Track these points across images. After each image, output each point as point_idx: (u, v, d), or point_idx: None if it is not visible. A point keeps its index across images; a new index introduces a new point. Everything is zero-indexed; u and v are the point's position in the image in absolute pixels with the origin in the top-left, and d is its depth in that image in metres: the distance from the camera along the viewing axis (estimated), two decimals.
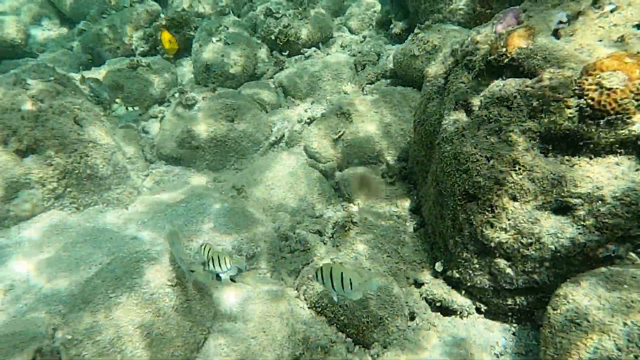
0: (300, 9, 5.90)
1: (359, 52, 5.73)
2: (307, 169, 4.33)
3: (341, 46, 6.02)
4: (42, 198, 3.56)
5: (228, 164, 4.72)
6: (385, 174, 4.00)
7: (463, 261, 2.72)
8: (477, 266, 2.64)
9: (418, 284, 3.11)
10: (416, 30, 4.57)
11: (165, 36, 5.29)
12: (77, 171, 3.71)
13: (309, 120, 5.00)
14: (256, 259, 3.48)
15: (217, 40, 5.49)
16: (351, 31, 6.35)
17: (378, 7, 6.22)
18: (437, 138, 2.98)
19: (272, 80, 5.67)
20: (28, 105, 3.65)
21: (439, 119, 3.09)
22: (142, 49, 5.99)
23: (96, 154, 3.83)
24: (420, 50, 4.40)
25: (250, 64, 5.58)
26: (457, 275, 2.80)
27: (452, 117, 2.79)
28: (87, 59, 5.67)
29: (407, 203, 3.81)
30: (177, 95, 4.87)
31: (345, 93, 5.21)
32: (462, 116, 2.75)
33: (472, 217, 2.56)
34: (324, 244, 3.69)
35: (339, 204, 4.16)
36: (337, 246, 3.62)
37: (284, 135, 4.94)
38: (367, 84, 5.00)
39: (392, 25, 5.66)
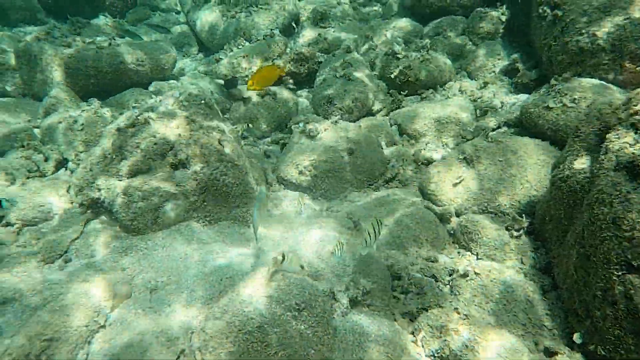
0: (422, 52, 6.02)
1: (479, 98, 5.68)
2: (424, 211, 4.32)
3: (460, 90, 6.01)
4: (184, 209, 3.90)
5: (342, 195, 4.84)
6: (510, 226, 3.86)
7: (613, 338, 2.52)
8: (632, 347, 2.43)
9: (550, 353, 2.92)
10: (552, 82, 4.45)
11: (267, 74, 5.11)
12: (214, 187, 4.03)
13: (425, 162, 5.01)
14: (370, 294, 3.51)
15: (339, 76, 5.76)
16: (471, 77, 6.32)
17: (503, 54, 6.15)
18: (588, 198, 2.84)
19: (387, 117, 5.79)
20: (183, 125, 4.06)
21: (588, 178, 2.96)
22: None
23: (232, 173, 4.14)
24: (557, 102, 4.27)
25: (368, 100, 5.75)
26: (603, 353, 2.59)
27: (611, 179, 2.65)
28: (221, 84, 6.21)
29: (532, 261, 3.64)
30: (300, 125, 5.15)
31: (464, 138, 5.17)
32: (624, 179, 2.60)
33: (632, 291, 2.38)
34: (440, 290, 3.62)
35: (455, 250, 4.08)
36: (455, 295, 3.54)
37: (398, 173, 4.98)
38: (490, 131, 4.92)
39: (518, 74, 5.55)
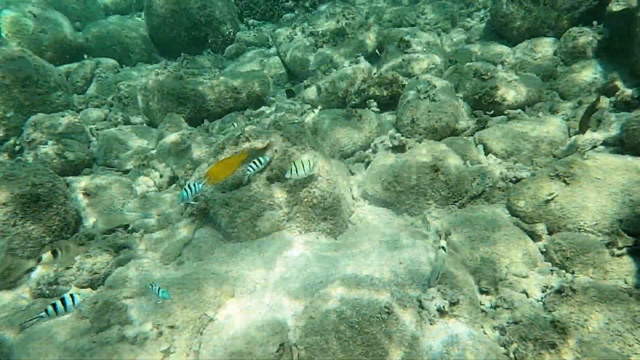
0: (509, 72, 5.98)
1: (573, 117, 5.49)
2: (513, 229, 4.25)
3: (550, 110, 5.84)
4: (278, 219, 4.25)
5: (425, 211, 4.90)
6: (611, 244, 3.67)
7: None
8: None
9: None
10: None
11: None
12: (306, 200, 4.34)
13: (514, 179, 4.92)
14: (459, 304, 3.53)
15: (424, 98, 5.89)
16: (563, 97, 6.12)
17: (598, 73, 5.91)
18: None
19: (472, 137, 5.78)
20: (279, 142, 4.46)
21: None
22: (353, 102, 6.76)
23: (322, 187, 4.43)
24: None
25: (452, 120, 5.80)
26: None
27: None
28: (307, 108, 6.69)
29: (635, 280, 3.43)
30: (387, 140, 5.34)
31: (555, 157, 5.00)
32: None
33: None
34: (532, 306, 3.53)
35: (549, 268, 3.94)
36: (550, 311, 3.43)
37: (484, 191, 4.95)
38: (587, 149, 4.73)
39: (617, 92, 5.30)
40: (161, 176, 5.17)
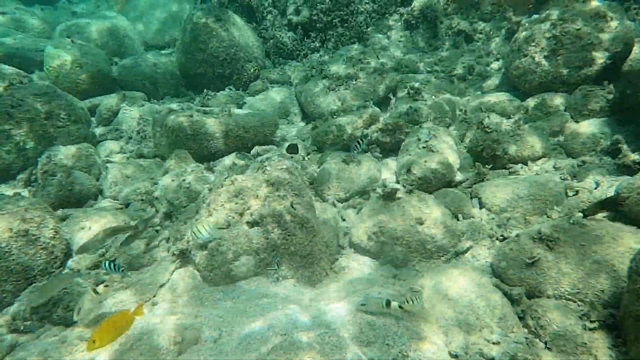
0: (514, 126, 5.91)
1: (574, 177, 5.33)
2: (490, 289, 4.12)
3: (554, 167, 5.69)
4: (254, 264, 4.32)
5: (409, 264, 4.83)
6: (585, 316, 3.49)
7: None
8: None
9: None
10: None
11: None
12: (283, 246, 4.40)
13: (501, 237, 4.80)
14: None
15: (422, 147, 5.90)
16: (569, 154, 5.97)
17: (606, 133, 5.75)
18: None
19: (469, 190, 5.70)
20: (263, 189, 4.59)
21: None
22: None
23: (301, 234, 4.48)
24: None
25: (450, 172, 5.75)
26: None
27: None
28: (313, 149, 6.81)
29: (608, 358, 3.23)
30: (378, 189, 5.36)
31: (549, 217, 4.85)
32: None
33: None
34: None
35: (524, 336, 3.78)
36: None
37: (470, 248, 4.85)
38: (580, 212, 4.56)
39: (620, 155, 5.12)
40: (157, 211, 5.39)
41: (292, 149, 6.64)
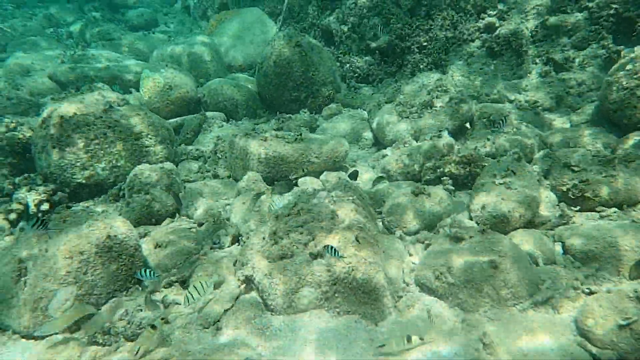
0: (607, 166, 5.38)
1: None
2: (575, 348, 3.72)
3: None
4: (316, 297, 4.28)
5: (481, 310, 4.51)
6: None
7: None
8: None
9: None
10: None
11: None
12: (346, 281, 4.32)
13: (587, 291, 4.33)
14: None
15: (499, 184, 5.55)
16: None
17: None
18: None
19: (552, 233, 5.25)
20: (329, 221, 4.56)
21: None
22: (428, 177, 6.62)
23: (365, 269, 4.38)
24: None
25: (530, 212, 5.34)
26: None
27: None
28: (381, 179, 6.71)
29: None
30: (446, 228, 5.11)
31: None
32: None
33: None
34: None
35: None
36: None
37: (552, 297, 4.42)
38: None
39: None
40: (226, 234, 5.57)
41: (354, 176, 6.64)
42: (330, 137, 7.64)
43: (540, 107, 7.93)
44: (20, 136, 6.52)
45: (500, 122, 6.19)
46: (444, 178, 6.51)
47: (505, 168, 5.73)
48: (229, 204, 6.42)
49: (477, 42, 9.32)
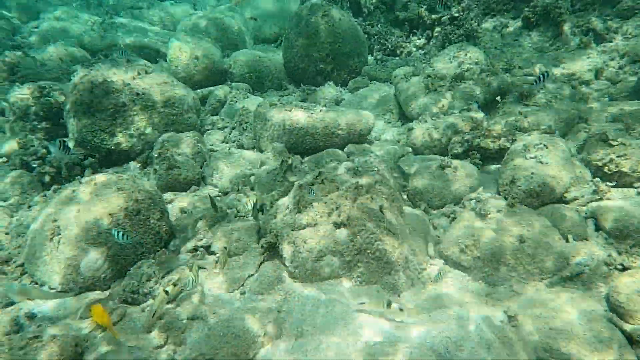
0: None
1: None
2: (603, 324, 3.63)
3: None
4: (338, 266, 4.29)
5: (506, 283, 4.44)
6: None
7: None
8: None
9: None
10: None
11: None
12: (368, 251, 4.31)
13: (620, 267, 4.20)
14: None
15: (530, 157, 5.38)
16: None
17: None
18: None
19: (584, 208, 5.08)
20: (351, 189, 4.53)
21: None
22: (455, 151, 6.47)
23: (388, 241, 4.35)
24: None
25: (559, 186, 5.17)
26: None
27: None
28: (406, 152, 6.61)
29: None
30: (472, 202, 5.01)
31: None
32: None
33: None
34: None
35: None
36: None
37: (583, 272, 4.31)
38: None
39: None
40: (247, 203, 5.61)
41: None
42: (355, 110, 7.52)
43: (577, 80, 7.59)
44: (53, 101, 6.66)
45: (542, 76, 5.81)
46: (472, 152, 6.36)
47: (538, 142, 5.53)
48: (253, 174, 6.45)
49: (512, 13, 8.91)
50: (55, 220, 4.18)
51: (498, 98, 7.66)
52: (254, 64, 10.45)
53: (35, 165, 5.87)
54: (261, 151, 7.34)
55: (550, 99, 6.77)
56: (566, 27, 8.25)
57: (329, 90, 9.76)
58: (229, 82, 10.21)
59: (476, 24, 9.27)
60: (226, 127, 8.23)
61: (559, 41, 8.30)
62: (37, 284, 4.15)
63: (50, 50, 9.88)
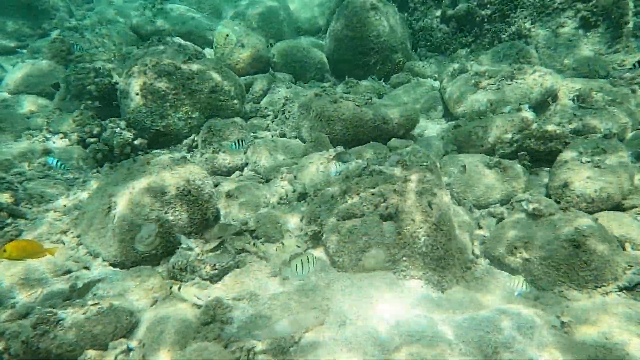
0: None
1: None
2: None
3: None
4: (384, 259, 4.26)
5: (557, 288, 4.29)
6: None
7: None
8: None
9: None
10: None
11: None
12: (415, 245, 4.25)
13: None
14: None
15: (586, 162, 5.18)
16: None
17: None
18: None
19: None
20: (401, 184, 4.48)
21: None
22: (503, 151, 6.31)
23: (435, 236, 4.28)
24: None
25: (618, 193, 4.96)
26: None
27: None
28: (451, 149, 6.50)
29: None
30: (523, 203, 4.88)
31: None
32: None
33: None
34: None
35: None
36: None
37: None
38: None
39: None
40: (294, 191, 5.64)
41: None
42: (400, 104, 7.44)
43: (638, 85, 7.25)
44: (107, 82, 6.86)
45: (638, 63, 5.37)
46: (521, 153, 6.17)
47: (595, 145, 5.32)
48: (296, 163, 6.47)
49: (570, 12, 8.58)
50: (111, 196, 4.31)
51: (549, 100, 7.41)
52: (297, 55, 10.46)
53: (90, 143, 6.08)
54: (303, 141, 7.36)
55: (609, 102, 6.50)
56: (627, 29, 7.87)
57: (372, 84, 9.68)
58: (271, 71, 10.27)
59: (529, 22, 8.97)
60: (268, 115, 8.29)
61: (618, 43, 7.93)
62: (91, 255, 4.31)
63: (103, 33, 10.18)
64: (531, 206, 4.61)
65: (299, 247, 4.61)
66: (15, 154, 5.96)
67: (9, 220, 4.49)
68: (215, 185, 5.61)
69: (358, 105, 6.98)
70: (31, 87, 7.85)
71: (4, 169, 5.49)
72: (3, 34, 10.44)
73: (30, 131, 6.79)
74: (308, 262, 3.53)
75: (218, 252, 4.33)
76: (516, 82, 7.35)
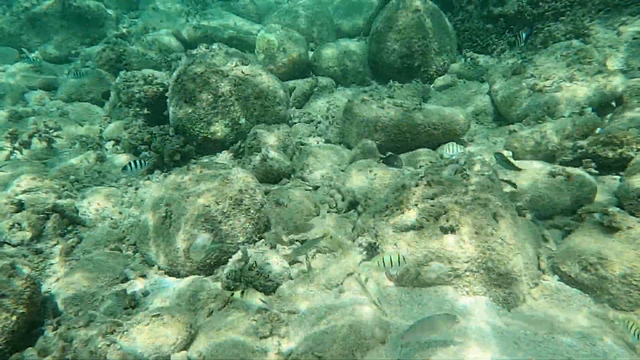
0: None
1: None
2: None
3: None
4: (446, 273, 4.04)
5: (634, 311, 3.95)
6: None
7: None
8: None
9: None
10: None
11: None
12: (480, 259, 4.00)
13: None
14: None
15: None
16: None
17: None
18: None
19: None
20: (462, 195, 4.24)
21: None
22: (564, 158, 5.93)
23: (500, 251, 4.02)
24: None
25: None
26: None
27: None
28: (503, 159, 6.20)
29: None
30: (597, 216, 4.53)
31: None
32: None
33: None
34: None
35: None
36: None
37: None
38: None
39: None
40: (343, 199, 5.47)
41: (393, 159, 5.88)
42: (449, 109, 7.15)
43: None
44: (155, 89, 6.93)
45: None
46: (586, 160, 5.78)
47: None
48: (343, 170, 6.31)
49: (635, 8, 8.04)
50: (167, 205, 4.29)
51: (613, 103, 6.95)
52: (338, 58, 10.32)
53: (141, 150, 6.14)
54: (349, 147, 7.20)
55: None
56: None
57: (416, 87, 9.40)
58: (313, 76, 10.17)
59: (587, 20, 8.47)
60: (312, 120, 8.17)
61: None
62: (147, 263, 4.29)
63: (148, 40, 10.37)
64: (608, 218, 4.26)
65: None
66: (74, 162, 6.08)
67: (69, 228, 4.55)
68: (266, 193, 5.53)
69: (406, 111, 6.76)
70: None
71: (64, 175, 5.61)
72: (55, 44, 10.82)
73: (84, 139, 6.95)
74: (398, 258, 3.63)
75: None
76: (576, 84, 6.92)
